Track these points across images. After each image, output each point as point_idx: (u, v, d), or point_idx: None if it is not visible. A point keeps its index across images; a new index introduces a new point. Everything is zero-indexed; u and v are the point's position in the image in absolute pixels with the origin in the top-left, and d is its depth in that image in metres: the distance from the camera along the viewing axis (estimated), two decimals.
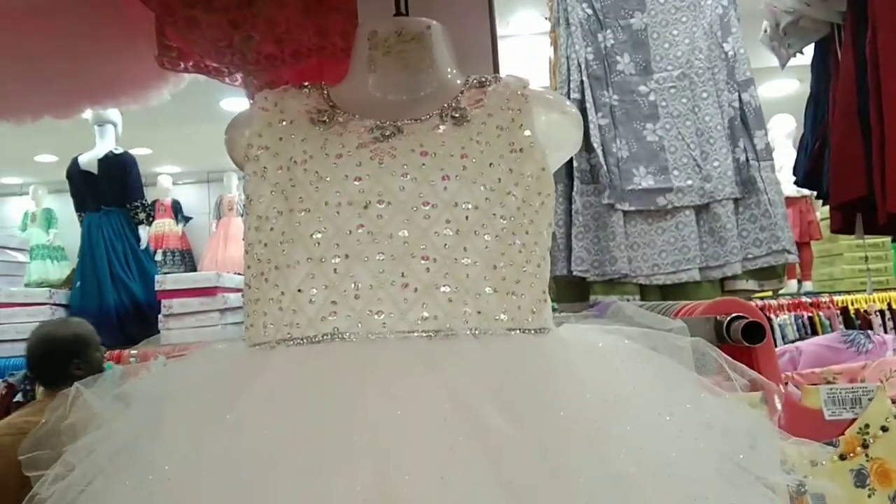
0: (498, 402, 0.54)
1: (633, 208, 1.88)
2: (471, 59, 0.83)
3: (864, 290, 4.32)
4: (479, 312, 0.64)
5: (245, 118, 0.73)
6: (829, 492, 0.82)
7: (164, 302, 3.66)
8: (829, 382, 1.02)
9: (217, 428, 0.58)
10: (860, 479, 0.86)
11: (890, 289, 4.41)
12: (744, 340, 0.86)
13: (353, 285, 0.63)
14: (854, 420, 0.86)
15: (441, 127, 0.68)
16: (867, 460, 0.86)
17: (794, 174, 2.37)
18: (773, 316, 3.89)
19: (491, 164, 0.68)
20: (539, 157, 0.70)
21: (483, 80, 0.73)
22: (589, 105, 1.87)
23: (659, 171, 1.89)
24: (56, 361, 1.96)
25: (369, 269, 0.63)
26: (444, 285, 0.63)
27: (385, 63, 0.74)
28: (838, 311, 4.14)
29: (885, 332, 3.80)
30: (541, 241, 0.70)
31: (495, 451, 0.53)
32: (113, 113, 3.95)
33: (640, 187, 1.88)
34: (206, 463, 0.56)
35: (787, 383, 0.97)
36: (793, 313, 4.14)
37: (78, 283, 3.98)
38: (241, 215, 7.32)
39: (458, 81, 0.75)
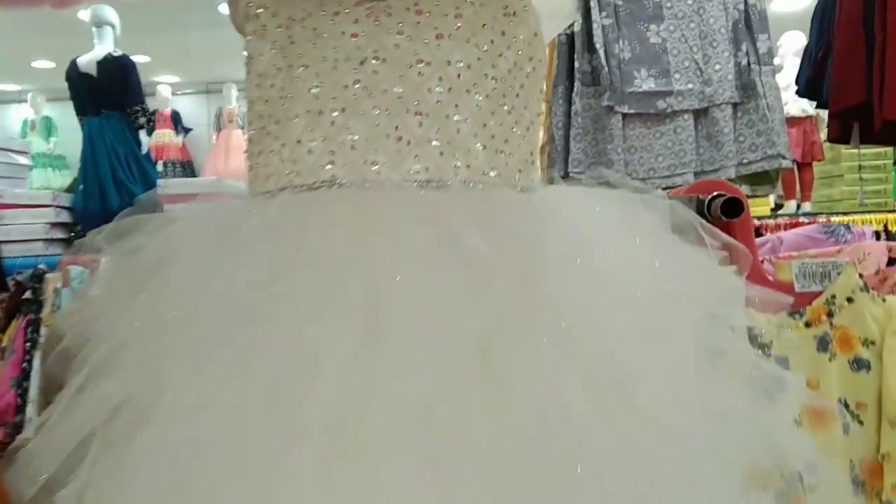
0: (486, 235, 0.58)
1: (632, 111, 1.89)
2: None
3: (864, 212, 4.33)
4: (468, 167, 0.67)
5: None
6: (794, 354, 0.88)
7: (167, 206, 3.67)
8: None
9: (221, 265, 0.62)
10: (823, 344, 0.91)
11: (888, 211, 4.42)
12: (723, 216, 0.90)
13: (349, 137, 0.66)
14: (822, 292, 0.92)
15: None
16: (831, 328, 0.91)
17: (797, 83, 2.37)
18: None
19: (484, 24, 0.70)
20: (532, 22, 0.72)
21: None
22: (593, 4, 1.85)
23: (660, 73, 1.89)
24: None
25: (365, 121, 0.66)
26: (435, 140, 0.66)
27: None
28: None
29: None
30: (530, 106, 0.73)
31: (484, 287, 0.57)
32: (111, 13, 3.88)
33: (640, 90, 1.88)
34: (209, 302, 0.60)
35: (763, 261, 1.02)
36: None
37: (81, 187, 4.00)
38: (241, 127, 7.27)
39: None
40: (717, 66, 1.87)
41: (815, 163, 5.06)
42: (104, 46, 3.88)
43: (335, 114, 0.67)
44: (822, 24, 2.19)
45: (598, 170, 1.75)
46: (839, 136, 2.06)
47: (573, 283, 0.60)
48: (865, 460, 0.89)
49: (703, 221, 0.75)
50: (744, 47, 1.87)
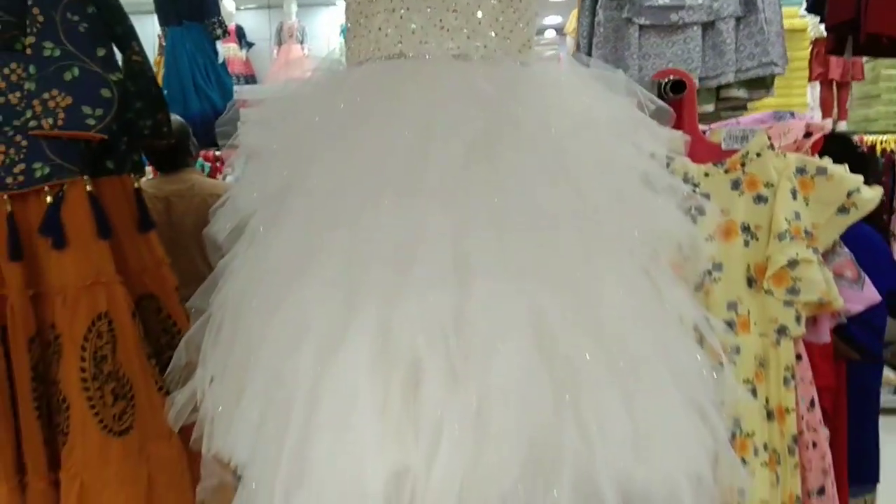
0: (492, 84, 0.97)
1: (648, 23, 2.20)
2: None
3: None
4: (485, 47, 1.06)
5: None
6: (714, 191, 1.27)
7: (242, 111, 4.09)
8: None
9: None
10: (736, 185, 1.29)
11: None
12: (671, 93, 1.27)
13: (411, 26, 1.05)
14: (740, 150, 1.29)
15: None
16: (743, 174, 1.29)
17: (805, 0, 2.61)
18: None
19: None
20: None
21: None
22: None
23: None
24: (173, 148, 2.31)
25: (421, 17, 1.05)
26: (464, 28, 1.05)
27: None
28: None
29: None
30: (529, 8, 1.11)
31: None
32: None
33: (656, 4, 2.18)
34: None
35: (705, 132, 1.39)
36: None
37: (165, 92, 4.47)
38: (301, 42, 7.61)
39: None
40: None
41: (854, 82, 5.18)
42: None
43: (402, 11, 1.07)
44: None
45: (579, 55, 2.11)
46: (835, 48, 2.34)
47: (550, 113, 1.00)
48: (758, 265, 1.29)
49: (643, 90, 1.12)
50: None
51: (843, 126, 5.15)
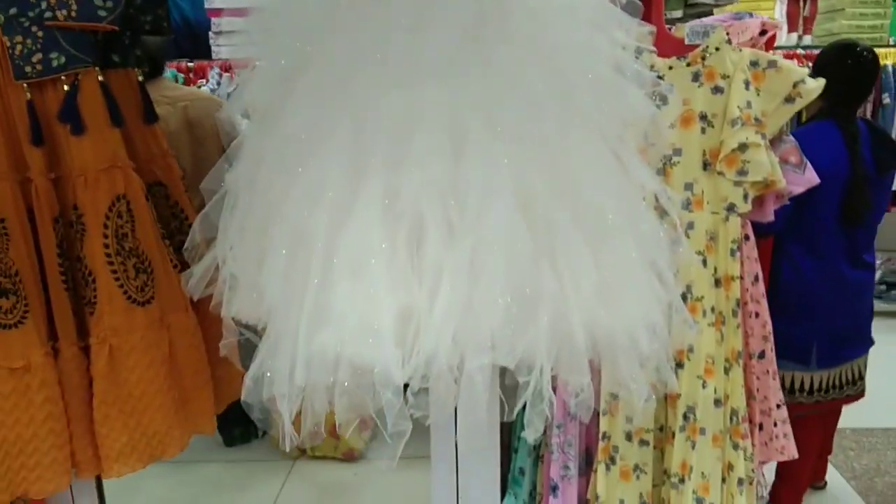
0: None
1: None
2: None
3: None
4: None
5: None
6: (677, 83, 1.41)
7: (214, 20, 4.03)
8: None
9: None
10: (696, 77, 1.44)
11: (883, 45, 4.66)
12: None
13: None
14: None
15: None
16: (703, 67, 1.43)
17: None
18: None
19: None
20: None
21: None
22: None
23: None
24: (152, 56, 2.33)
25: None
26: None
27: None
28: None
29: None
30: None
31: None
32: None
33: None
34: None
35: (669, 28, 1.52)
36: None
37: None
38: None
39: None
40: None
41: None
42: None
43: None
44: None
45: None
46: None
47: (535, 2, 1.11)
48: (713, 149, 1.45)
49: None
50: None
51: (807, 40, 5.27)
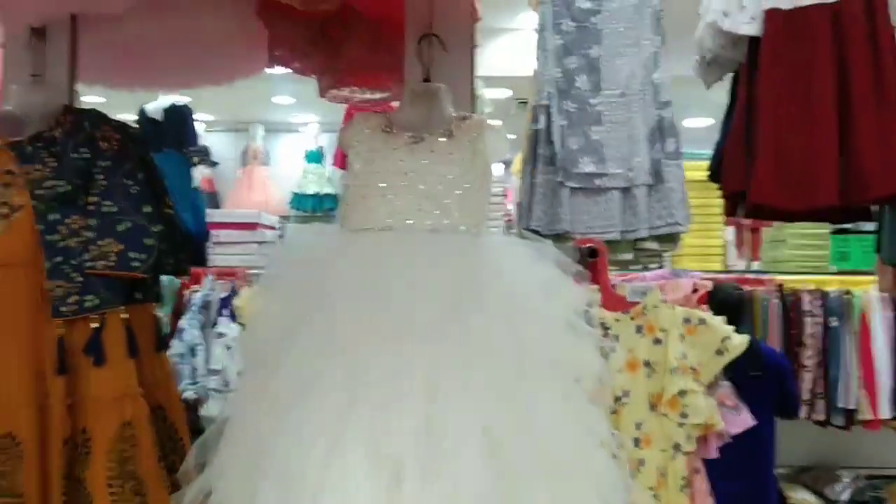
0: (454, 251, 1.34)
1: (577, 186, 2.67)
2: (460, 103, 1.63)
3: (802, 273, 5.01)
4: (450, 223, 1.43)
5: (351, 126, 1.53)
6: (622, 334, 1.65)
7: (213, 232, 4.40)
8: None
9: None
10: (639, 329, 1.68)
11: (824, 273, 5.09)
12: (588, 257, 1.67)
13: (397, 205, 1.42)
14: (640, 301, 1.68)
15: (441, 139, 1.47)
16: (645, 320, 1.68)
17: (709, 170, 3.16)
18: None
19: (462, 158, 1.47)
20: (486, 158, 1.50)
21: (464, 115, 1.53)
22: (553, 110, 2.65)
23: (598, 161, 2.67)
24: None
25: (405, 201, 1.43)
26: (436, 210, 1.43)
27: (417, 104, 1.54)
28: (775, 287, 4.75)
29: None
30: (483, 198, 1.50)
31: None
32: None
33: (583, 172, 2.67)
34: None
35: (615, 286, 1.79)
36: None
37: None
38: (265, 164, 8.07)
39: (452, 115, 1.55)
40: (638, 159, 2.65)
41: (763, 228, 5.87)
42: (168, 97, 4.72)
43: (390, 196, 1.45)
44: (726, 127, 2.99)
45: (552, 226, 2.57)
46: (731, 211, 2.85)
47: (498, 275, 1.37)
48: (657, 393, 1.65)
49: (564, 257, 1.51)
50: (657, 146, 2.66)
51: (756, 265, 5.76)
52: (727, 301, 2.36)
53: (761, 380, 2.12)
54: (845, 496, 4.78)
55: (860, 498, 4.88)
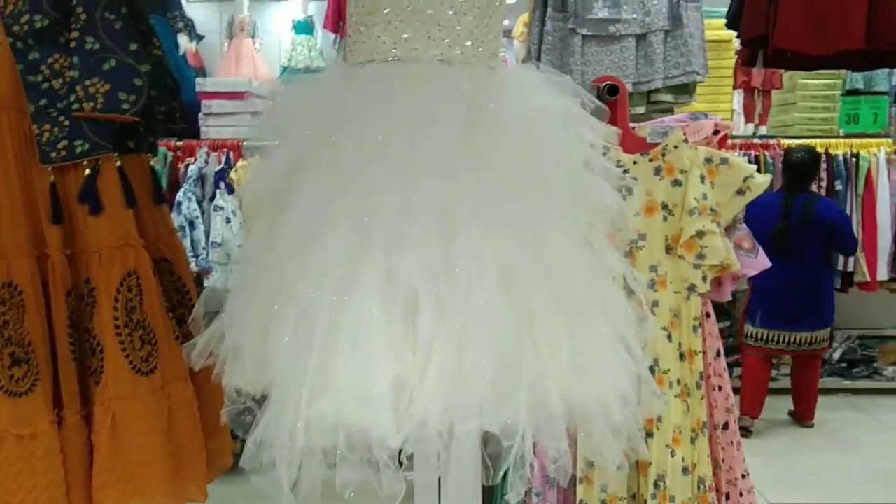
0: (470, 82, 1.24)
1: (589, 33, 2.52)
2: None
3: (810, 137, 4.91)
4: (463, 54, 1.32)
5: None
6: (640, 176, 1.58)
7: (205, 102, 4.22)
8: None
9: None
10: (657, 171, 1.61)
11: (832, 136, 4.98)
12: (608, 95, 1.57)
13: (403, 35, 1.30)
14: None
15: None
16: (663, 162, 1.60)
17: (726, 17, 2.98)
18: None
19: None
20: None
21: None
22: None
23: (613, 5, 2.51)
24: None
25: (412, 28, 1.31)
26: (447, 38, 1.31)
27: None
28: (782, 153, 4.67)
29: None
30: (497, 24, 1.38)
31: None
32: None
33: (597, 17, 2.51)
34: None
35: (634, 128, 1.70)
36: (744, 152, 4.63)
37: None
38: (252, 36, 7.70)
39: None
40: (655, 2, 2.49)
41: (774, 91, 5.68)
42: None
43: (397, 23, 1.33)
44: None
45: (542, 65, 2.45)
46: (748, 60, 2.70)
47: (514, 107, 1.27)
48: (674, 235, 1.61)
49: (585, 91, 1.42)
50: None
51: (762, 131, 5.63)
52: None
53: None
54: (836, 355, 4.94)
55: (852, 357, 5.04)
